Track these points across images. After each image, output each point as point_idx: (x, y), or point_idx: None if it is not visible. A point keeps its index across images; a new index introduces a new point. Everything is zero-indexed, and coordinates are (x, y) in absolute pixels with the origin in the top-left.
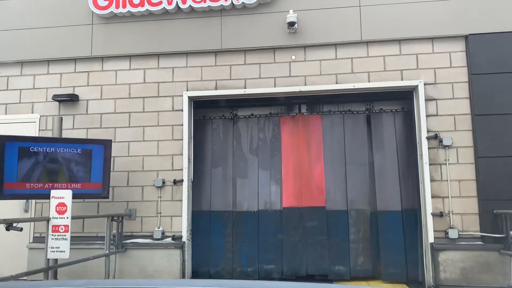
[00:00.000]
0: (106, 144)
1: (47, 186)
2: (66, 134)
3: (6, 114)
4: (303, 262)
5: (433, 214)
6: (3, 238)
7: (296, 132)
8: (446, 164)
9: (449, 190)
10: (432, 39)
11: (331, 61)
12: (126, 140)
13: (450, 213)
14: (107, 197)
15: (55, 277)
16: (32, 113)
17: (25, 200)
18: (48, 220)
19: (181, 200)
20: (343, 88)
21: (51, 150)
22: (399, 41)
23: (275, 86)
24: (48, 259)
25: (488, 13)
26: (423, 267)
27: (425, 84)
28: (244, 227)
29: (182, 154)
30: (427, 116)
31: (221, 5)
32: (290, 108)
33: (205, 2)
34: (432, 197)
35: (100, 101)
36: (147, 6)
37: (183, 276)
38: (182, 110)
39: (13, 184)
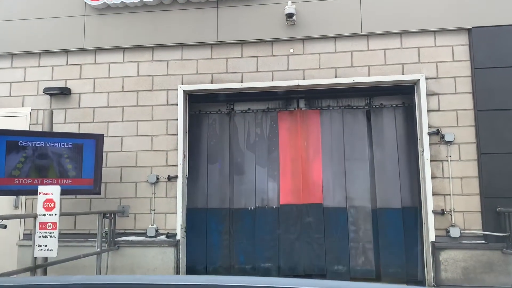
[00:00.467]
0: (97, 139)
1: (37, 182)
2: (57, 129)
3: None
4: (301, 261)
5: (434, 212)
6: None
7: (294, 127)
8: (448, 160)
9: (450, 188)
10: (434, 32)
11: (330, 54)
12: (119, 135)
13: (452, 211)
14: (99, 193)
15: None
16: (22, 106)
17: (15, 196)
18: (35, 217)
19: (176, 197)
20: (343, 82)
21: (41, 144)
22: (401, 34)
23: (272, 80)
24: (36, 257)
25: (493, 5)
26: (423, 267)
27: (426, 79)
28: (241, 225)
29: (176, 150)
30: (428, 111)
31: None
32: (288, 103)
33: None
34: (433, 194)
35: (92, 94)
36: None
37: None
38: (177, 104)
39: (1, 179)
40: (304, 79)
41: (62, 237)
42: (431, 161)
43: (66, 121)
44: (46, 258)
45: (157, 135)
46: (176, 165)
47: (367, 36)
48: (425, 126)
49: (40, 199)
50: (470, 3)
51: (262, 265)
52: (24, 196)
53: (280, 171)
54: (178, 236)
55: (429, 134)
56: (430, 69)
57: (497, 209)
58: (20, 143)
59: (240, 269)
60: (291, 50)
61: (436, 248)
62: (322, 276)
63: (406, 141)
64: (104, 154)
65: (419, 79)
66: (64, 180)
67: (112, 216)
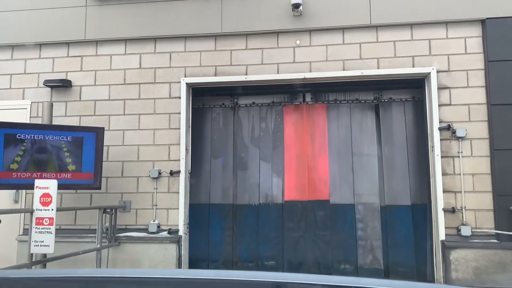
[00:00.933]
0: (98, 132)
1: (35, 176)
2: (58, 122)
3: None
4: (306, 259)
5: (445, 210)
6: None
7: (300, 122)
8: (459, 156)
9: (462, 185)
10: (446, 23)
11: (338, 46)
12: (121, 129)
13: (463, 209)
14: (99, 188)
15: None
16: (23, 99)
17: (15, 190)
18: (31, 212)
19: (178, 192)
20: (351, 75)
21: (40, 137)
22: (411, 25)
23: (278, 73)
24: (32, 253)
25: None
26: (433, 266)
27: (438, 72)
28: (244, 221)
29: (179, 144)
30: (439, 105)
31: None
32: (294, 97)
33: None
34: (443, 191)
35: (94, 87)
36: None
37: None
38: (179, 98)
39: None
40: (310, 71)
41: (62, 232)
42: (441, 157)
43: (67, 114)
44: (45, 254)
45: (159, 129)
46: (179, 160)
47: (376, 27)
48: (435, 121)
49: (37, 193)
50: None
51: (266, 263)
52: (24, 190)
53: (285, 166)
54: (180, 232)
55: (440, 129)
56: (441, 62)
57: (511, 208)
58: (19, 136)
59: (243, 266)
60: (297, 42)
61: (446, 247)
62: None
63: (416, 137)
64: (105, 148)
65: (429, 72)
66: (64, 174)
67: (113, 212)
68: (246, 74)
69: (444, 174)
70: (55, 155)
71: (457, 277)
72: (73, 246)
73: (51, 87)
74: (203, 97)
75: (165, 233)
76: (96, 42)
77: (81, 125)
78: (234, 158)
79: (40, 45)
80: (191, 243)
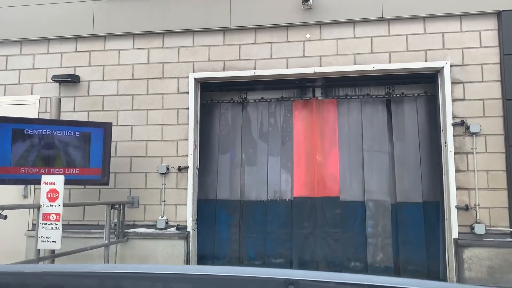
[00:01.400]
0: (105, 127)
1: (43, 171)
2: (66, 117)
3: (5, 95)
4: (315, 257)
5: (458, 207)
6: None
7: (309, 117)
8: (473, 153)
9: (475, 182)
10: (460, 16)
11: (349, 40)
12: (129, 124)
13: (477, 207)
14: (107, 184)
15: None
16: (31, 94)
17: (24, 186)
18: (38, 207)
19: (186, 188)
20: (362, 70)
21: (47, 132)
22: (424, 18)
23: (287, 68)
24: (39, 249)
25: None
26: (445, 265)
27: (451, 66)
28: (252, 218)
29: (187, 140)
30: (453, 100)
31: None
32: (304, 92)
33: None
34: (456, 188)
35: (102, 82)
36: None
37: None
38: (188, 93)
39: (7, 168)
40: (320, 66)
41: (71, 228)
42: (455, 153)
43: (75, 110)
44: (53, 250)
45: (167, 125)
46: (187, 156)
47: (388, 20)
48: (449, 117)
49: (43, 189)
50: None
51: (274, 261)
52: (33, 185)
53: (294, 162)
54: (189, 229)
55: (453, 124)
56: (455, 55)
57: None
58: (26, 131)
59: (250, 264)
60: (307, 36)
61: (460, 246)
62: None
63: (428, 132)
64: (113, 143)
65: (443, 67)
66: (71, 169)
67: (121, 207)
68: (255, 69)
69: (457, 170)
70: (63, 150)
71: (470, 276)
72: (81, 242)
73: (60, 82)
74: (211, 92)
75: (173, 229)
76: (104, 37)
77: (89, 120)
78: (242, 153)
79: (49, 40)
80: (198, 240)
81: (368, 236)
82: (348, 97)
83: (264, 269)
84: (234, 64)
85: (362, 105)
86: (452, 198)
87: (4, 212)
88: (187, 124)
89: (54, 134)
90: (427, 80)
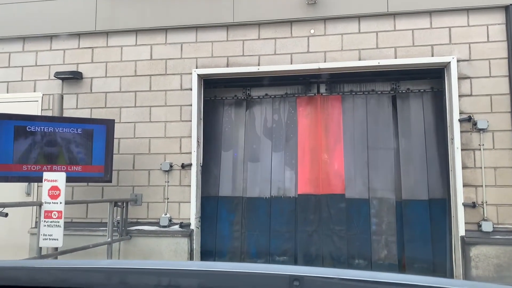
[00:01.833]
0: (108, 124)
1: (46, 168)
2: (69, 114)
3: (8, 92)
4: (319, 255)
5: (465, 205)
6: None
7: (314, 114)
8: (480, 149)
9: (483, 179)
10: (467, 10)
11: (353, 35)
12: (132, 121)
13: (484, 204)
14: (110, 181)
15: None
16: (34, 91)
17: (27, 183)
18: (40, 205)
19: (190, 185)
20: (367, 65)
21: (50, 129)
22: (430, 13)
23: (291, 63)
24: (41, 247)
25: None
26: (452, 263)
27: (458, 61)
28: (254, 215)
29: (190, 137)
30: (459, 96)
31: None
32: (308, 88)
33: None
34: (463, 185)
35: (104, 79)
36: None
37: None
38: (191, 89)
39: (9, 166)
40: (325, 62)
41: (74, 225)
42: (461, 149)
43: (78, 107)
44: (56, 248)
45: (170, 121)
46: (190, 153)
47: (394, 15)
48: (455, 112)
49: (45, 186)
50: None
51: (277, 259)
52: (37, 183)
53: (298, 159)
54: (192, 226)
55: (460, 120)
56: (462, 50)
57: None
58: (29, 128)
59: (253, 262)
60: (312, 31)
61: (466, 243)
62: None
63: (435, 129)
64: (116, 140)
65: (449, 62)
66: (74, 167)
67: (124, 205)
68: (259, 65)
69: (464, 167)
70: (65, 147)
71: (477, 274)
72: (84, 240)
73: (62, 79)
74: (215, 89)
75: (176, 227)
76: (107, 33)
77: (92, 117)
78: (245, 150)
79: (51, 37)
80: (201, 237)
81: (373, 233)
82: (353, 93)
83: (269, 265)
84: (238, 60)
85: (367, 101)
86: (459, 195)
87: (6, 210)
88: (190, 121)
89: (57, 131)
90: (434, 76)
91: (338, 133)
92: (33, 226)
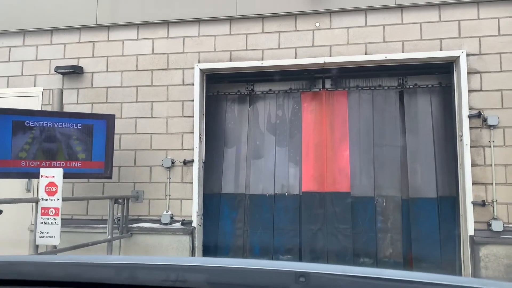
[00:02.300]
0: (108, 119)
1: (45, 164)
2: (70, 109)
3: (8, 87)
4: (324, 253)
5: (474, 203)
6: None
7: (319, 109)
8: (490, 146)
9: (493, 176)
10: (477, 3)
11: (360, 28)
12: (133, 116)
13: (494, 202)
14: (110, 177)
15: None
16: (34, 86)
17: (27, 179)
18: (36, 202)
19: (192, 182)
20: (374, 60)
21: (49, 125)
22: (439, 5)
23: (296, 58)
24: (37, 245)
25: None
26: (460, 263)
27: (468, 55)
28: (257, 212)
29: (193, 132)
30: (469, 91)
31: None
32: (313, 83)
33: None
34: (473, 183)
35: (105, 73)
36: None
37: None
38: (193, 84)
39: (7, 161)
40: (330, 56)
41: (74, 222)
42: (471, 146)
43: (79, 102)
44: (55, 246)
45: (172, 117)
46: (192, 149)
47: (401, 8)
48: (465, 108)
49: (42, 182)
50: None
51: (281, 257)
52: (37, 179)
53: (303, 155)
54: (194, 224)
55: (470, 116)
56: (471, 44)
57: None
58: (27, 123)
59: None
60: (317, 25)
61: (475, 243)
62: None
63: (443, 125)
64: (117, 136)
65: (459, 56)
66: (73, 163)
67: (124, 202)
68: (262, 59)
69: (473, 165)
70: (65, 143)
71: (487, 275)
72: (85, 237)
73: (63, 73)
74: (217, 84)
75: (178, 224)
76: (108, 27)
77: (93, 112)
78: (248, 146)
79: (52, 31)
80: (203, 235)
81: (379, 232)
82: (359, 88)
83: (275, 261)
84: (241, 54)
85: (374, 97)
86: (468, 193)
87: (2, 207)
88: (193, 116)
89: (56, 126)
90: (442, 71)
91: (343, 129)
92: (33, 223)
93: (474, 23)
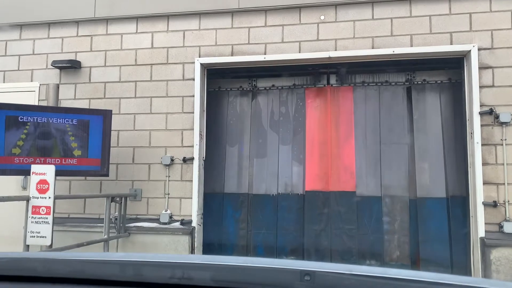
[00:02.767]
0: (105, 115)
1: (39, 161)
2: (67, 105)
3: (4, 82)
4: (328, 254)
5: (485, 204)
6: (5, 216)
7: (323, 106)
8: (502, 144)
9: (505, 176)
10: None
11: (366, 21)
12: (132, 112)
13: (506, 203)
14: (107, 175)
15: None
16: (31, 81)
17: (23, 177)
18: (27, 200)
19: (191, 181)
20: (381, 54)
21: (43, 120)
22: None
23: (300, 52)
24: (28, 245)
25: None
26: (470, 266)
27: (479, 49)
28: (260, 212)
29: (193, 129)
30: (480, 87)
31: None
32: (317, 79)
33: None
34: (484, 183)
35: (104, 68)
36: None
37: None
38: (193, 79)
39: (0, 158)
40: (336, 50)
41: (71, 221)
42: (482, 145)
43: (76, 97)
44: (50, 245)
45: (172, 113)
46: (192, 146)
47: (410, 0)
48: (476, 105)
49: (33, 179)
50: None
51: (284, 258)
52: None
53: (307, 154)
54: (194, 223)
55: (481, 113)
56: (483, 38)
57: None
58: (21, 118)
59: None
60: (322, 17)
61: (486, 245)
62: None
63: (453, 122)
64: (115, 133)
65: (470, 50)
66: (69, 160)
67: (122, 200)
68: (265, 54)
69: (484, 164)
70: (60, 139)
71: (498, 279)
72: (81, 236)
73: (60, 68)
74: (219, 79)
75: (177, 224)
76: (107, 21)
77: (89, 108)
78: (251, 144)
79: (49, 24)
80: (204, 235)
81: (386, 233)
82: (366, 84)
83: (280, 260)
84: (243, 48)
85: (381, 93)
86: (479, 193)
87: None
88: (193, 112)
89: (51, 121)
90: (452, 66)
91: (349, 126)
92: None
93: (486, 16)
